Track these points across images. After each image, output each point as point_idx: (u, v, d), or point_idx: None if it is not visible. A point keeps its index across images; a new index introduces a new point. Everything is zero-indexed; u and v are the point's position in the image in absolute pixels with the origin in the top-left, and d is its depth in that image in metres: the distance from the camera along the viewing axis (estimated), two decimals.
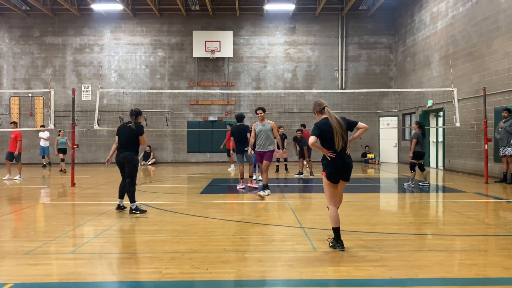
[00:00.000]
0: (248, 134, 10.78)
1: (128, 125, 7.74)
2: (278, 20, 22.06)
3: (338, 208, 5.25)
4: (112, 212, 7.74)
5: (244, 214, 7.70)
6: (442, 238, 5.79)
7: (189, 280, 4.16)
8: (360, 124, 5.13)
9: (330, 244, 5.20)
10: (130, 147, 7.62)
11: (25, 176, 15.72)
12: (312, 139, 5.03)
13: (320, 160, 5.32)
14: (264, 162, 9.91)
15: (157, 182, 13.13)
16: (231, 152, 16.55)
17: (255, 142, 10.03)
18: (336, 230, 5.11)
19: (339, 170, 5.11)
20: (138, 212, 7.51)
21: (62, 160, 16.75)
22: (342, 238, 5.10)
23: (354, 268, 4.42)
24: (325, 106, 5.18)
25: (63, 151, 17.08)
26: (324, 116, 5.16)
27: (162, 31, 22.09)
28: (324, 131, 5.06)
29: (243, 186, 11.04)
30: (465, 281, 4.08)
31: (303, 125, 17.16)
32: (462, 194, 10.10)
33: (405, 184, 11.48)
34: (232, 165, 17.11)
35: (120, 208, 7.77)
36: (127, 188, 7.62)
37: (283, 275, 4.30)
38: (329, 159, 5.10)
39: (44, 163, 18.86)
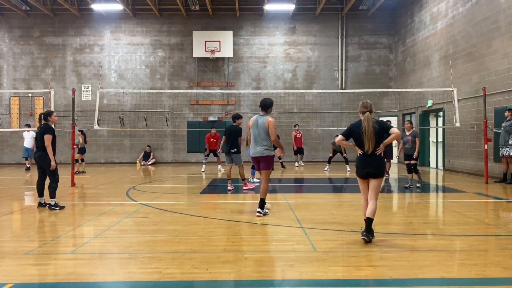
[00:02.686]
0: (240, 138, 10.53)
1: (41, 126, 8.17)
2: (278, 20, 22.06)
3: (373, 202, 5.45)
4: (112, 212, 7.74)
5: (244, 214, 7.70)
6: (442, 238, 5.78)
7: (189, 280, 4.16)
8: (393, 129, 5.42)
9: (363, 232, 5.45)
10: (42, 147, 8.00)
11: (24, 176, 15.76)
12: (338, 137, 5.65)
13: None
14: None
15: (157, 182, 13.14)
16: (213, 152, 16.46)
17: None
18: (366, 221, 5.44)
19: (364, 166, 5.48)
20: (57, 208, 7.89)
21: (77, 161, 15.78)
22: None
23: (354, 268, 4.42)
24: (367, 111, 5.49)
25: (78, 150, 16.03)
26: (362, 118, 5.53)
27: (162, 31, 22.09)
28: (353, 131, 5.53)
29: (231, 187, 10.66)
30: (465, 281, 4.08)
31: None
32: (462, 194, 10.10)
33: (416, 185, 11.06)
34: (204, 166, 16.65)
35: (42, 205, 8.09)
36: (49, 184, 8.00)
37: (283, 275, 4.30)
38: (358, 155, 5.59)
39: (28, 166, 18.00)
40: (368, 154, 5.44)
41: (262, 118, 7.46)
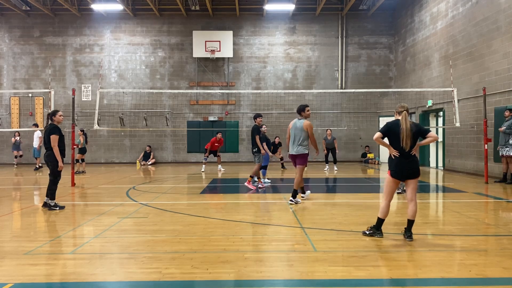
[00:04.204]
0: (256, 136, 10.83)
1: (47, 126, 8.14)
2: (278, 20, 22.06)
3: (414, 204, 5.57)
4: (112, 212, 7.74)
5: (244, 214, 7.70)
6: (442, 238, 5.79)
7: (189, 280, 4.16)
8: (431, 133, 5.56)
9: (368, 232, 5.70)
10: (49, 147, 7.99)
11: (25, 176, 15.76)
12: (376, 134, 5.56)
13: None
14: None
15: (157, 182, 13.13)
16: (214, 152, 16.43)
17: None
18: (380, 221, 5.64)
19: (403, 168, 5.51)
20: (57, 209, 7.92)
21: (77, 161, 15.72)
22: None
23: (354, 268, 4.42)
24: (404, 110, 5.58)
25: (79, 150, 15.96)
26: (399, 117, 5.61)
27: (162, 31, 22.09)
28: (391, 129, 5.54)
29: (262, 185, 10.97)
30: (465, 281, 4.08)
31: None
32: (462, 194, 10.10)
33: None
34: (204, 166, 16.55)
35: (47, 205, 8.03)
36: (49, 186, 7.98)
37: (283, 275, 4.30)
38: (393, 157, 5.54)
39: (37, 166, 18.08)
40: (405, 156, 5.47)
41: (300, 121, 8.61)
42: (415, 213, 5.55)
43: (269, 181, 12.20)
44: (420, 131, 5.56)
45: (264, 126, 12.65)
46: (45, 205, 8.04)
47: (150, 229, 6.32)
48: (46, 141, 8.02)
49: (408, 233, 5.51)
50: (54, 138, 7.92)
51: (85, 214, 7.74)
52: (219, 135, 16.33)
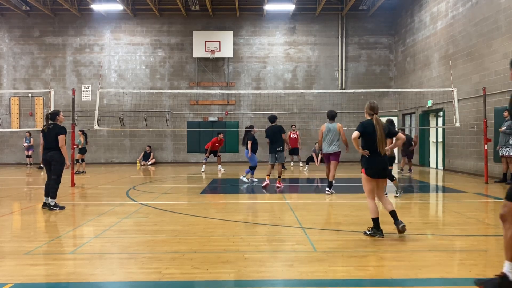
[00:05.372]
0: (283, 135, 11.05)
1: (51, 126, 8.10)
2: (278, 20, 22.06)
3: (386, 198, 5.81)
4: (112, 212, 7.74)
5: (244, 214, 7.70)
6: (442, 238, 5.79)
7: (189, 280, 4.16)
8: (399, 135, 5.87)
9: (369, 232, 5.69)
10: (55, 147, 7.95)
11: (25, 176, 15.76)
12: (355, 134, 5.66)
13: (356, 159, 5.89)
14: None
15: (157, 182, 13.13)
16: (214, 152, 16.44)
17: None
18: (376, 220, 5.64)
19: (377, 167, 5.67)
20: (57, 209, 7.91)
21: (77, 161, 15.60)
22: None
23: (354, 268, 4.42)
24: (374, 113, 5.73)
25: (79, 150, 15.85)
26: (369, 118, 5.77)
27: (162, 31, 22.09)
28: (366, 129, 5.68)
29: (268, 182, 11.06)
30: (465, 281, 4.07)
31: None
32: (462, 194, 10.10)
33: (394, 195, 9.58)
34: (204, 166, 16.40)
35: (46, 205, 8.02)
36: (51, 185, 7.98)
37: (283, 275, 4.30)
38: (366, 156, 5.67)
39: (41, 165, 17.97)
40: (378, 156, 5.63)
41: (332, 124, 9.90)
42: (391, 203, 5.73)
43: (256, 180, 12.31)
44: (390, 133, 5.82)
45: (254, 127, 13.40)
46: (45, 205, 8.05)
47: (150, 229, 6.32)
48: (49, 140, 7.98)
49: (397, 221, 5.55)
50: (62, 138, 7.95)
51: (85, 214, 7.74)
52: (221, 135, 16.33)
